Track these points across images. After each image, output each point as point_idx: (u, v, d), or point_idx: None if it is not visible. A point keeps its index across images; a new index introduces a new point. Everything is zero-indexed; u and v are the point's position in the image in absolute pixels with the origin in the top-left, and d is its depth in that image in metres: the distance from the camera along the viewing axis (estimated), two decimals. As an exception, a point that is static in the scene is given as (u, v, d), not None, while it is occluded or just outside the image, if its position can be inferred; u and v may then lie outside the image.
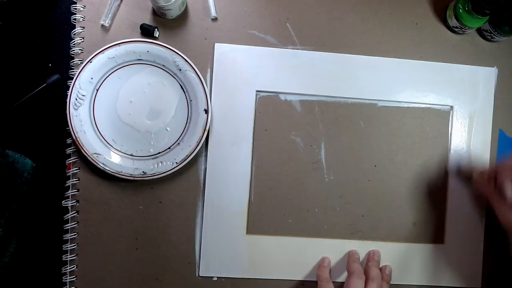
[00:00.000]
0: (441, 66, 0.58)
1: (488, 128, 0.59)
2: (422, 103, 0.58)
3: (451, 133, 0.59)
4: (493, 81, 0.59)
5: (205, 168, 0.56)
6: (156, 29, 0.56)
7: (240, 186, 0.56)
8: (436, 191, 0.59)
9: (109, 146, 0.55)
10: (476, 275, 0.58)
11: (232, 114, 0.56)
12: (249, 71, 0.57)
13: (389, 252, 0.57)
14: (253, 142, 0.57)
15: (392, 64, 0.58)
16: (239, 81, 0.56)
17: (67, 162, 0.55)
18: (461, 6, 0.55)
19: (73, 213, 0.55)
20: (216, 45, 0.56)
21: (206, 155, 0.56)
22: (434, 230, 0.58)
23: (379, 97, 0.58)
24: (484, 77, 0.59)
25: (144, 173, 0.54)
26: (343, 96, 0.58)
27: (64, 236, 0.55)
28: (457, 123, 0.59)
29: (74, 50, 0.56)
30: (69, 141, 0.56)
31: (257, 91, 0.57)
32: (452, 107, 0.58)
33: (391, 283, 0.56)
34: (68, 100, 0.54)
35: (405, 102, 0.58)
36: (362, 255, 0.57)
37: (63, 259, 0.55)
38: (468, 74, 0.59)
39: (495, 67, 0.59)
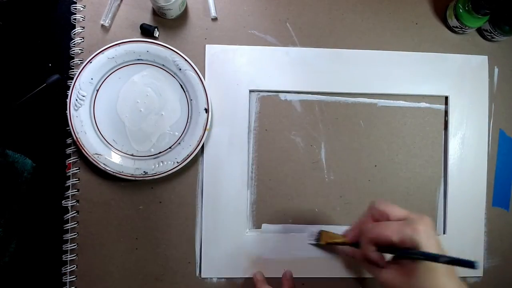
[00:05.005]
0: (434, 57, 0.58)
1: (484, 119, 0.58)
2: (418, 95, 0.58)
3: (448, 124, 0.58)
4: (485, 69, 0.59)
5: (204, 168, 0.56)
6: (156, 29, 0.56)
7: (240, 186, 0.56)
8: (436, 191, 0.59)
9: (110, 146, 0.55)
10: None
11: (231, 114, 0.56)
12: (247, 71, 0.57)
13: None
14: (253, 142, 0.57)
15: (389, 57, 0.58)
16: (238, 81, 0.56)
17: (67, 162, 0.55)
18: (461, 6, 0.55)
19: (73, 213, 0.55)
20: (207, 46, 0.56)
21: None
22: (436, 228, 0.58)
23: (376, 91, 0.58)
24: (476, 66, 0.59)
25: (145, 173, 0.54)
26: (342, 92, 0.57)
27: (64, 236, 0.55)
28: (454, 113, 0.58)
29: (74, 50, 0.56)
30: (69, 141, 0.56)
31: (257, 91, 0.57)
32: (447, 97, 0.58)
33: None
34: (68, 101, 0.54)
35: (402, 95, 0.58)
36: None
37: (63, 259, 0.55)
38: (461, 63, 0.59)
39: (495, 67, 0.59)
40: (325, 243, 0.54)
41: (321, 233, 0.55)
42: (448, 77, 0.59)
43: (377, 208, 0.44)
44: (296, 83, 0.57)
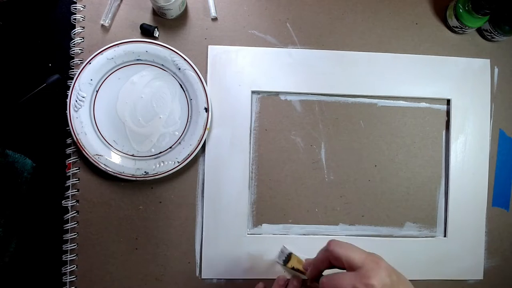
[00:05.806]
0: (436, 59, 0.58)
1: (485, 121, 0.58)
2: (421, 97, 0.58)
3: (450, 127, 0.58)
4: (488, 72, 0.59)
5: (205, 168, 0.56)
6: (156, 29, 0.56)
7: (240, 186, 0.56)
8: (436, 190, 0.59)
9: (110, 147, 0.55)
10: (478, 268, 0.58)
11: (233, 115, 0.56)
12: (250, 72, 0.57)
13: (391, 248, 0.57)
14: (253, 142, 0.57)
15: (391, 60, 0.58)
16: (240, 82, 0.56)
17: (67, 162, 0.55)
18: (461, 6, 0.55)
19: (73, 213, 0.55)
20: (209, 47, 0.56)
21: (206, 155, 0.56)
22: (436, 228, 0.58)
23: (378, 93, 0.58)
24: (479, 69, 0.59)
25: (146, 173, 0.54)
26: (343, 94, 0.58)
27: (64, 236, 0.55)
28: (456, 115, 0.58)
29: (74, 50, 0.56)
30: (69, 141, 0.56)
31: (257, 91, 0.57)
32: (449, 100, 0.58)
33: None
34: (68, 102, 0.54)
35: (403, 97, 0.58)
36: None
37: (63, 259, 0.55)
38: (463, 66, 0.59)
39: (495, 67, 0.59)
40: (290, 267, 0.54)
41: (290, 255, 0.55)
42: (450, 80, 0.58)
43: (332, 252, 0.43)
44: (299, 84, 0.57)
